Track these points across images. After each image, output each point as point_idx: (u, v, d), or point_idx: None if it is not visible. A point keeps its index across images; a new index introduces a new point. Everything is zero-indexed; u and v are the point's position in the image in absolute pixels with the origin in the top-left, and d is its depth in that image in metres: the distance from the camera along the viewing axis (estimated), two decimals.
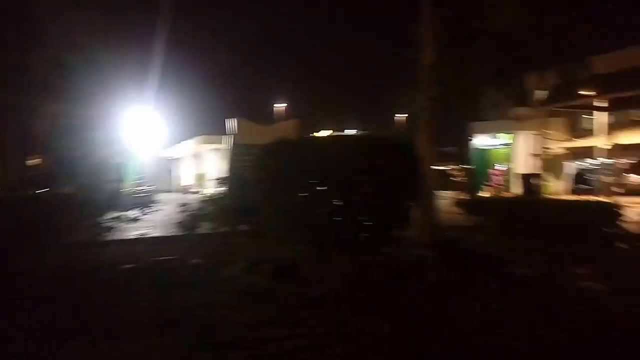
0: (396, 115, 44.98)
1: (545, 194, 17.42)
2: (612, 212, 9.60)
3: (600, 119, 20.18)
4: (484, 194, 22.74)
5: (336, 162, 6.64)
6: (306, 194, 6.86)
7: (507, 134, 25.19)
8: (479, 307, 5.02)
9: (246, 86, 49.67)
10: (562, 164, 26.48)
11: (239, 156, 12.15)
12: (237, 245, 8.92)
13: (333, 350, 3.90)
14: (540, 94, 21.56)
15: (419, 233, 9.40)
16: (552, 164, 25.21)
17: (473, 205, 11.92)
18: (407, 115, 42.65)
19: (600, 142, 20.44)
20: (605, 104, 16.62)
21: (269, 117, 41.22)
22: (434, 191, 10.39)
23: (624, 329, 4.35)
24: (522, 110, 25.95)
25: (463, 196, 20.06)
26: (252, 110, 39.87)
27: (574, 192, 24.69)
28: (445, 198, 14.89)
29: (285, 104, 45.41)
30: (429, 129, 9.99)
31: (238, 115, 30.85)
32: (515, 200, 11.90)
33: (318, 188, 6.72)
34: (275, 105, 45.39)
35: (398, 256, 7.30)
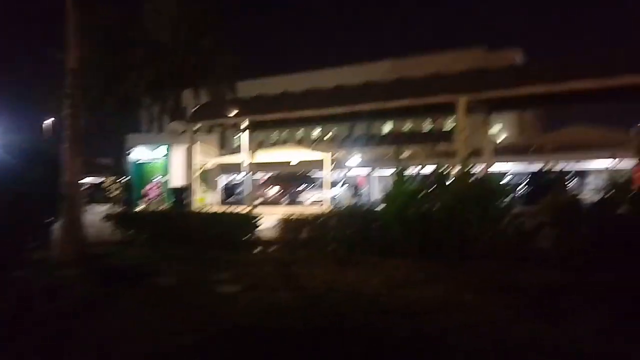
0: (44, 121, 40.23)
1: (198, 206, 18.48)
2: (251, 221, 10.92)
3: (245, 137, 22.82)
4: (140, 207, 22.55)
5: None
6: None
7: (164, 147, 25.71)
8: (112, 322, 4.94)
9: None
10: (214, 177, 28.67)
11: None
12: None
13: None
14: (194, 111, 22.92)
15: (62, 251, 8.58)
16: (205, 177, 27.01)
17: (126, 219, 11.65)
18: (53, 121, 38.58)
19: (244, 158, 23.05)
20: (247, 125, 18.88)
21: None
22: (80, 205, 9.67)
23: (246, 325, 4.92)
24: (177, 125, 26.97)
25: (117, 210, 19.34)
26: None
27: (224, 203, 27.06)
28: (98, 212, 14.09)
29: None
30: (73, 137, 9.23)
31: None
32: (169, 213, 12.21)
33: None
34: None
35: (35, 278, 6.47)
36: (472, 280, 6.70)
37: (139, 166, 27.52)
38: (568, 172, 27.55)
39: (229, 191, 37.32)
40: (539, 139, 36.29)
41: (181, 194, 17.55)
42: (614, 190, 7.30)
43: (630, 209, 6.87)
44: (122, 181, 24.81)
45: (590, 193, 9.28)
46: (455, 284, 6.45)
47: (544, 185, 22.00)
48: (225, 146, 45.22)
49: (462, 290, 6.09)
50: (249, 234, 10.68)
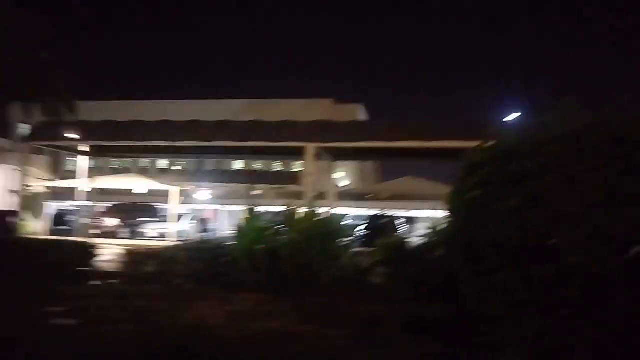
0: None
1: (23, 233, 16.56)
2: (87, 252, 10.24)
3: (83, 162, 21.29)
4: None
5: None
6: None
7: None
8: None
9: None
10: (43, 203, 25.87)
11: None
12: None
13: None
14: (24, 128, 20.88)
15: None
16: (32, 202, 24.29)
17: None
18: None
19: (82, 184, 21.42)
20: (87, 149, 17.74)
21: None
22: None
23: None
24: (2, 142, 24.12)
25: None
26: None
27: (54, 232, 24.47)
28: None
29: None
30: None
31: None
32: None
33: None
34: None
35: None
36: (311, 313, 7.14)
37: None
38: (399, 218, 30.46)
39: (59, 219, 33.81)
40: (375, 187, 39.68)
41: (5, 219, 15.63)
42: (434, 236, 8.43)
43: (446, 252, 7.99)
44: None
45: (416, 237, 10.54)
46: (296, 317, 6.84)
47: (379, 228, 24.04)
48: (57, 170, 41.21)
49: (301, 323, 6.49)
50: (86, 265, 9.99)
